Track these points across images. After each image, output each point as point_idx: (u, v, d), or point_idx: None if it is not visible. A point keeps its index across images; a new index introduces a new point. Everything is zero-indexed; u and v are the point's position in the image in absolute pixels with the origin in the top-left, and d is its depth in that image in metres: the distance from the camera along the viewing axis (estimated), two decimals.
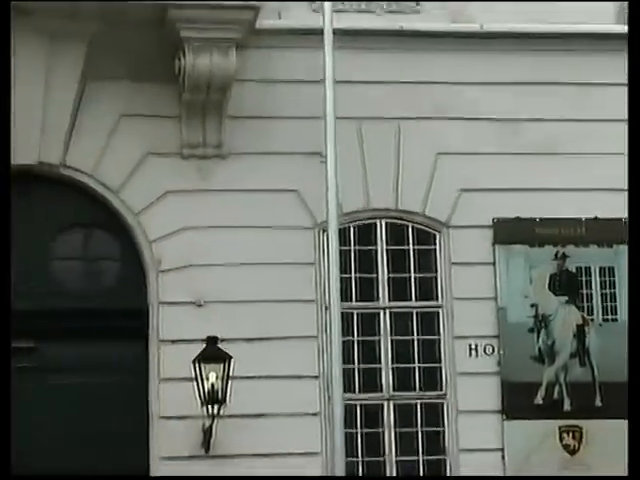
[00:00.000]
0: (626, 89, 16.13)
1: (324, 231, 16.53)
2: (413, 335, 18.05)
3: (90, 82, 17.55)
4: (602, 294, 18.30)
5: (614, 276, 18.31)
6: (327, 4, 16.24)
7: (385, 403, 17.78)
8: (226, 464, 17.14)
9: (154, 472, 17.38)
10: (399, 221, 18.30)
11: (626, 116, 15.90)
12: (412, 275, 18.22)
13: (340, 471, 15.14)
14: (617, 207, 17.89)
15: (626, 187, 16.23)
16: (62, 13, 17.29)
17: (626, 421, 15.74)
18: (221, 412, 16.76)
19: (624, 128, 16.36)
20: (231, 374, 16.71)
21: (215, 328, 16.87)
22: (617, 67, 17.91)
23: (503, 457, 17.66)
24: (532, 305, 18.05)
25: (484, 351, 17.99)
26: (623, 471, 16.57)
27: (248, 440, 17.12)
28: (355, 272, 17.90)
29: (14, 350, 16.51)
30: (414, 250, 18.30)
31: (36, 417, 17.28)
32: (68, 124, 17.55)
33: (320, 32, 16.00)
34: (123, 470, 17.35)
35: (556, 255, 18.21)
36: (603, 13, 18.99)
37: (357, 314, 17.81)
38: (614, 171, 17.78)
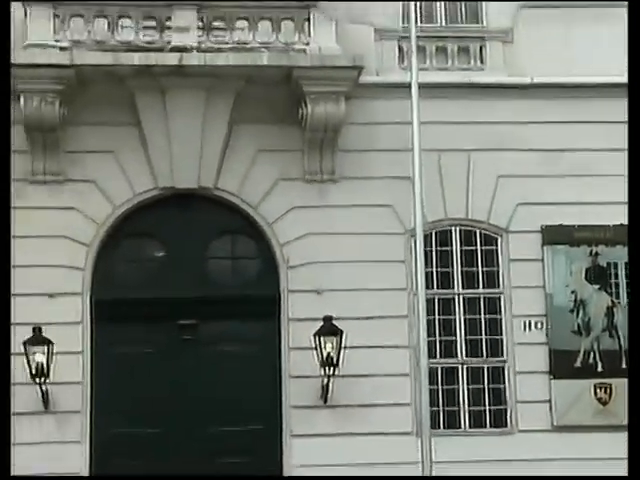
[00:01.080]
0: None
1: (412, 236, 17.82)
2: (480, 315, 19.51)
3: (235, 125, 19.23)
4: (626, 283, 19.38)
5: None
6: (414, 63, 17.31)
7: (459, 366, 19.25)
8: (338, 412, 18.81)
9: (285, 417, 18.93)
10: (469, 228, 19.78)
11: None
12: (479, 269, 19.77)
13: (426, 419, 16.28)
14: None
15: None
16: (215, 74, 18.92)
17: None
18: (335, 373, 18.36)
19: None
20: (342, 345, 18.22)
21: (330, 309, 18.51)
22: None
23: (550, 408, 19.12)
24: (572, 292, 19.55)
25: (535, 327, 19.44)
26: None
27: (356, 394, 18.66)
28: (436, 267, 19.40)
29: (181, 326, 18.91)
30: (481, 250, 19.85)
31: (195, 375, 18.87)
32: (219, 157, 19.28)
33: (408, 85, 17.28)
34: (262, 415, 19.10)
35: (590, 253, 19.61)
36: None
37: (438, 299, 19.21)
38: None
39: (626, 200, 18.13)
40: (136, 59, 18.88)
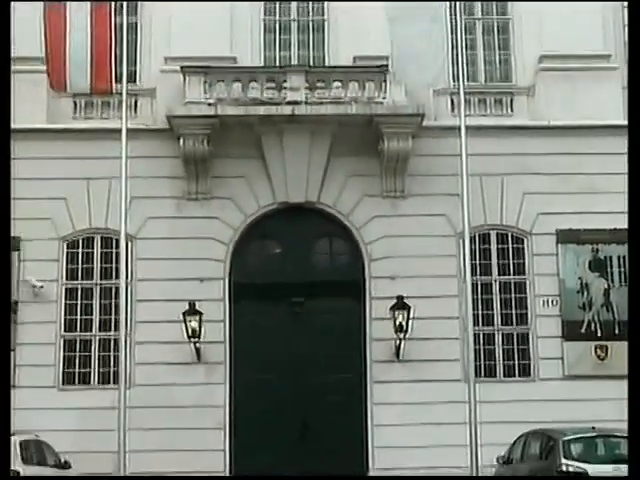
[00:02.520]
0: None
1: (461, 237, 19.04)
2: (511, 294, 20.94)
3: (332, 157, 20.88)
4: (618, 272, 20.65)
5: (625, 262, 20.41)
6: (462, 111, 18.35)
7: (496, 332, 20.71)
8: (407, 365, 20.29)
9: (369, 368, 20.37)
10: (503, 231, 21.22)
11: None
12: (510, 261, 21.13)
13: (471, 370, 17.51)
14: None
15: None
16: (317, 120, 20.55)
17: None
18: (405, 337, 20.03)
19: None
20: (410, 316, 19.77)
21: (401, 291, 20.00)
22: None
23: (562, 362, 20.46)
24: (579, 278, 20.84)
25: (551, 303, 20.83)
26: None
27: (420, 352, 20.11)
28: (478, 260, 20.62)
29: (293, 302, 20.62)
30: (512, 247, 21.21)
31: (303, 338, 20.49)
32: (320, 180, 20.96)
33: (458, 128, 18.33)
34: (352, 367, 20.47)
35: (592, 250, 20.89)
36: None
37: (480, 283, 20.54)
38: (624, 207, 18.48)
39: (619, 210, 19.44)
40: (261, 110, 20.49)
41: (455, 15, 19.02)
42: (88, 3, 17.77)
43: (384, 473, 19.98)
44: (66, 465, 17.90)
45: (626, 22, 21.28)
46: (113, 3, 18.26)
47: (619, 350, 19.94)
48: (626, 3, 20.79)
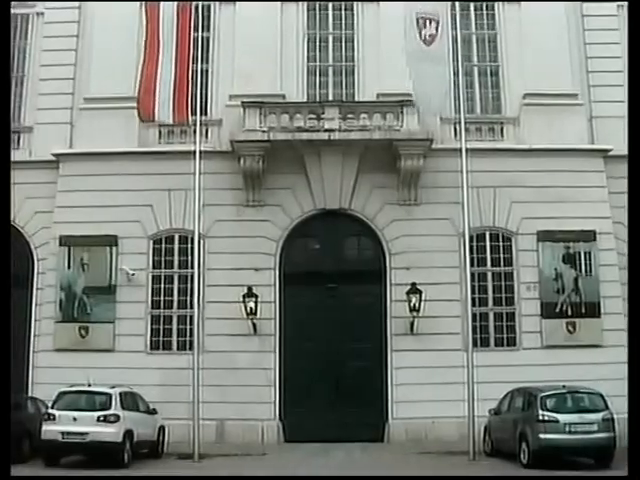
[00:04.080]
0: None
1: (462, 236, 19.43)
2: (501, 282, 21.10)
3: (360, 173, 21.26)
4: (585, 264, 20.82)
5: (591, 256, 20.80)
6: (463, 137, 18.97)
7: (489, 312, 20.95)
8: (419, 338, 20.44)
9: (389, 340, 20.54)
10: (495, 232, 21.34)
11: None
12: (501, 255, 21.25)
13: (470, 341, 18.11)
14: (592, 225, 20.80)
15: (596, 216, 20.36)
16: (348, 144, 20.88)
17: (596, 319, 20.09)
18: (417, 315, 20.30)
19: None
20: (422, 299, 20.15)
21: (415, 278, 20.38)
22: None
23: (541, 335, 20.56)
24: (554, 268, 20.91)
25: (533, 288, 20.90)
26: (594, 340, 20.12)
27: (429, 327, 20.32)
28: (476, 254, 20.61)
29: (328, 288, 20.69)
30: (502, 245, 21.33)
31: (336, 316, 20.70)
32: (351, 191, 21.31)
33: (459, 149, 19.05)
34: (376, 338, 20.63)
35: (565, 247, 20.92)
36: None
37: (477, 273, 20.61)
38: (592, 211, 20.78)
39: (586, 215, 20.49)
40: (304, 136, 20.92)
41: (457, 61, 19.27)
42: (174, 53, 18.74)
43: (401, 422, 20.24)
44: (153, 411, 18.53)
45: (589, 68, 22.12)
46: (191, 53, 19.09)
47: (585, 325, 20.54)
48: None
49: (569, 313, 20.70)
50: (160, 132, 21.93)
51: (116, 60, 21.32)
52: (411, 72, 18.88)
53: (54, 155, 21.60)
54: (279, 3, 22.66)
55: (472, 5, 22.70)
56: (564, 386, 16.98)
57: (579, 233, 20.90)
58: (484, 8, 22.88)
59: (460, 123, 19.48)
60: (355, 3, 22.94)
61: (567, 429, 16.17)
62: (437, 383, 19.80)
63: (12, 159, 20.22)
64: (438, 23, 18.51)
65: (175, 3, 19.06)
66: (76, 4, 22.98)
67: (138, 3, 20.95)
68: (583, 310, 20.63)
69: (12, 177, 19.92)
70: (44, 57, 22.44)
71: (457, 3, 20.10)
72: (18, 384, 20.00)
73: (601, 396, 16.73)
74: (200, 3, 20.34)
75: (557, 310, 20.71)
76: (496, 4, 22.86)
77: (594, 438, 16.14)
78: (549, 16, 22.11)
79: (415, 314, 20.35)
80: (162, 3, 19.08)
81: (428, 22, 18.49)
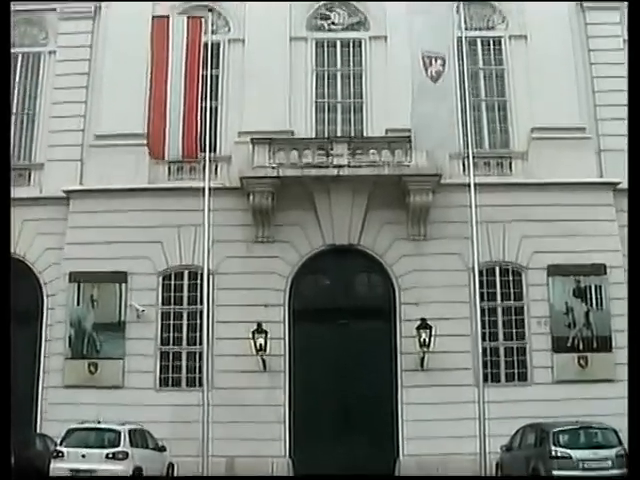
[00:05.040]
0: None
1: (472, 271, 19.17)
2: (512, 316, 20.82)
3: (369, 209, 21.23)
4: (595, 298, 20.64)
5: (602, 290, 20.67)
6: (471, 172, 19.01)
7: (500, 346, 20.64)
8: (430, 373, 20.15)
9: (399, 375, 20.25)
10: (505, 266, 21.24)
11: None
12: (511, 290, 21.07)
13: (480, 376, 18.14)
14: (602, 259, 20.73)
15: (606, 249, 20.30)
16: (357, 180, 20.83)
17: (608, 354, 19.82)
18: (428, 350, 20.08)
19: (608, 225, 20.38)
20: (432, 334, 19.91)
21: (424, 314, 20.18)
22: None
23: (552, 369, 20.30)
24: (565, 302, 20.72)
25: (544, 323, 20.71)
26: (606, 375, 19.79)
27: (439, 362, 19.99)
28: (486, 288, 20.55)
29: (340, 324, 20.45)
30: (512, 279, 21.19)
31: (347, 351, 20.44)
32: (360, 227, 21.09)
33: (468, 184, 19.12)
34: (385, 374, 20.38)
35: (575, 280, 20.78)
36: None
37: (487, 307, 20.39)
38: (602, 245, 20.67)
39: (595, 249, 20.44)
40: (313, 172, 20.91)
41: (465, 96, 19.39)
42: (183, 90, 18.94)
43: (412, 458, 19.96)
44: (162, 448, 18.51)
45: (597, 102, 22.27)
46: (200, 90, 19.36)
47: (597, 360, 20.30)
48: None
49: (580, 347, 20.53)
50: (170, 169, 22.03)
51: (126, 97, 21.55)
52: (417, 110, 18.80)
53: (64, 192, 21.74)
54: (287, 40, 22.80)
55: (479, 40, 22.85)
56: (577, 422, 16.85)
57: (589, 267, 20.78)
58: (491, 43, 23.04)
59: (468, 158, 19.58)
60: (363, 40, 23.12)
61: (580, 465, 15.97)
62: (448, 419, 19.65)
63: (23, 196, 21.28)
64: (444, 60, 18.54)
65: (184, 42, 19.26)
66: (87, 42, 23.21)
67: (148, 42, 20.70)
68: (595, 344, 20.47)
69: (23, 214, 21.02)
70: (55, 95, 22.78)
71: (464, 39, 20.32)
72: (27, 421, 20.15)
73: (614, 431, 16.57)
74: (209, 41, 20.37)
75: (568, 344, 20.55)
76: (503, 40, 22.98)
77: (608, 475, 15.87)
78: (556, 51, 22.27)
79: (425, 349, 20.22)
80: (171, 42, 19.28)
81: (434, 60, 18.57)
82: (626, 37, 20.84)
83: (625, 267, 20.29)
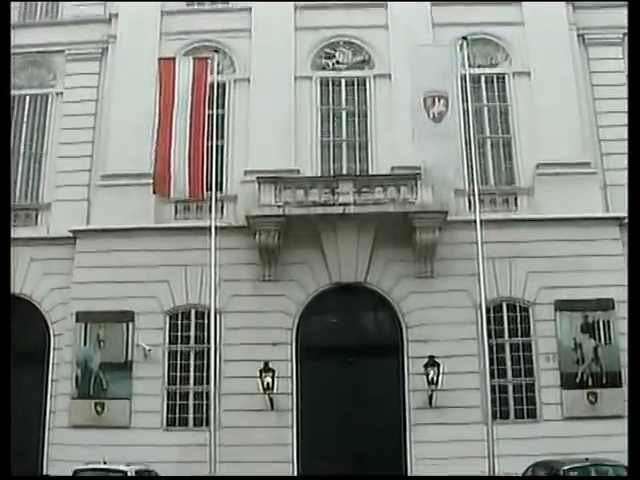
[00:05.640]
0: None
1: (479, 308, 19.22)
2: (520, 352, 20.70)
3: (375, 246, 21.15)
4: (604, 333, 20.52)
5: (610, 325, 20.55)
6: (477, 208, 19.13)
7: (508, 384, 20.44)
8: (438, 411, 20.04)
9: (408, 413, 20.10)
10: (512, 302, 21.13)
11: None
12: (518, 326, 20.94)
13: (489, 413, 18.15)
14: (610, 294, 20.48)
15: (613, 284, 20.14)
16: (363, 218, 20.90)
17: (618, 389, 19.56)
18: (436, 388, 19.98)
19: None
20: (440, 372, 19.80)
21: (432, 351, 20.01)
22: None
23: (561, 406, 20.13)
24: (573, 338, 20.57)
25: (552, 359, 20.56)
26: (616, 411, 19.40)
27: (448, 399, 19.83)
28: (494, 325, 20.46)
29: (347, 362, 20.33)
30: (520, 315, 21.07)
31: (355, 388, 20.25)
32: (366, 265, 21.17)
33: (474, 221, 19.27)
34: (394, 412, 20.24)
35: (583, 316, 20.67)
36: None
37: (495, 344, 20.36)
38: (609, 279, 20.52)
39: (603, 284, 20.34)
40: (319, 211, 20.88)
41: (469, 133, 19.64)
42: (188, 130, 19.11)
43: None
44: None
45: (601, 137, 22.47)
46: (206, 129, 19.53)
47: (607, 396, 20.11)
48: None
49: (590, 383, 20.33)
50: (176, 208, 22.15)
51: (133, 137, 21.81)
52: (421, 149, 19.00)
53: (71, 232, 21.86)
54: (292, 79, 23.04)
55: (483, 78, 23.03)
56: (587, 459, 16.65)
57: (597, 302, 20.67)
58: (495, 80, 23.21)
59: (474, 195, 19.60)
60: (368, 79, 23.31)
61: None
62: (457, 457, 19.47)
63: (30, 236, 21.71)
64: (447, 99, 18.71)
65: (190, 83, 19.50)
66: (94, 83, 23.60)
67: (155, 82, 21.30)
68: (604, 380, 20.29)
69: (30, 254, 21.49)
70: (63, 135, 23.07)
71: (467, 77, 20.37)
72: (33, 461, 20.20)
73: (626, 468, 16.08)
74: (215, 81, 20.68)
75: (577, 380, 20.38)
76: (506, 76, 23.22)
77: None
78: (559, 86, 22.43)
79: (433, 387, 20.10)
80: (178, 83, 19.51)
81: (437, 100, 18.74)
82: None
83: None
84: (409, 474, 20.24)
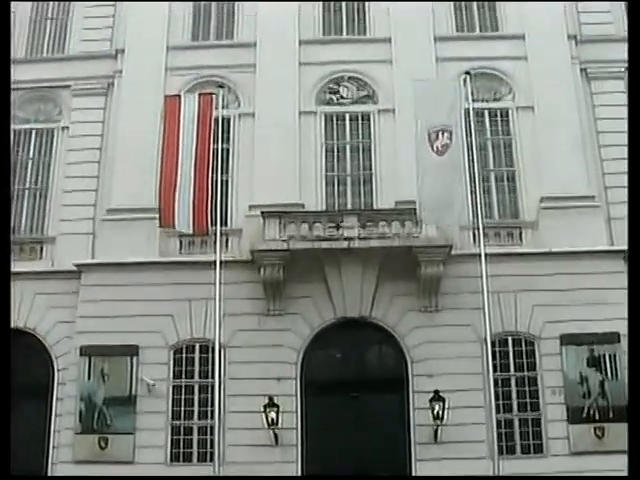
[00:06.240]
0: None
1: (484, 342, 19.18)
2: (526, 387, 20.54)
3: (380, 280, 21.14)
4: (610, 367, 20.37)
5: (616, 358, 20.38)
6: (482, 242, 19.13)
7: (514, 418, 20.29)
8: (444, 446, 19.81)
9: (413, 449, 20.01)
10: (518, 336, 21.01)
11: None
12: (524, 360, 20.70)
13: (495, 448, 17.88)
14: (615, 327, 20.21)
15: (619, 317, 19.64)
16: (368, 252, 20.94)
17: (625, 424, 18.28)
18: (442, 423, 19.83)
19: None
20: (445, 406, 19.63)
21: (437, 386, 19.81)
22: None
23: (568, 440, 19.95)
24: (579, 372, 20.37)
25: (559, 393, 20.41)
26: (624, 445, 18.11)
27: (453, 434, 19.68)
28: (499, 360, 20.24)
29: (351, 397, 20.30)
30: (525, 349, 20.95)
31: (359, 423, 20.15)
32: (371, 299, 21.11)
33: (478, 255, 19.09)
34: (399, 447, 20.12)
35: (589, 349, 20.53)
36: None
37: (501, 379, 20.07)
38: (614, 313, 20.09)
39: (608, 317, 20.22)
40: (324, 245, 20.91)
41: (473, 167, 19.55)
42: (193, 165, 19.28)
43: None
44: None
45: (605, 171, 22.55)
46: (211, 164, 19.69)
47: (614, 430, 19.86)
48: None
49: (596, 418, 20.15)
50: (181, 242, 22.23)
51: (138, 172, 21.97)
52: (424, 184, 19.11)
53: (76, 265, 21.93)
54: (297, 114, 23.22)
55: (487, 112, 23.21)
56: None
57: (602, 335, 20.55)
58: (499, 114, 23.36)
59: (479, 229, 19.64)
60: (372, 113, 23.49)
61: None
62: None
63: (35, 269, 21.83)
64: (451, 133, 18.81)
65: (195, 118, 19.69)
66: (100, 118, 23.84)
67: (160, 117, 21.58)
68: (611, 414, 20.11)
69: (34, 287, 21.53)
70: (68, 169, 23.26)
71: (471, 111, 20.58)
72: None
73: None
74: (220, 116, 20.84)
75: (584, 415, 20.22)
76: (510, 111, 23.38)
77: None
78: (563, 120, 22.57)
79: (439, 422, 19.98)
80: (183, 118, 19.72)
81: (441, 133, 18.85)
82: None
83: None
84: None
